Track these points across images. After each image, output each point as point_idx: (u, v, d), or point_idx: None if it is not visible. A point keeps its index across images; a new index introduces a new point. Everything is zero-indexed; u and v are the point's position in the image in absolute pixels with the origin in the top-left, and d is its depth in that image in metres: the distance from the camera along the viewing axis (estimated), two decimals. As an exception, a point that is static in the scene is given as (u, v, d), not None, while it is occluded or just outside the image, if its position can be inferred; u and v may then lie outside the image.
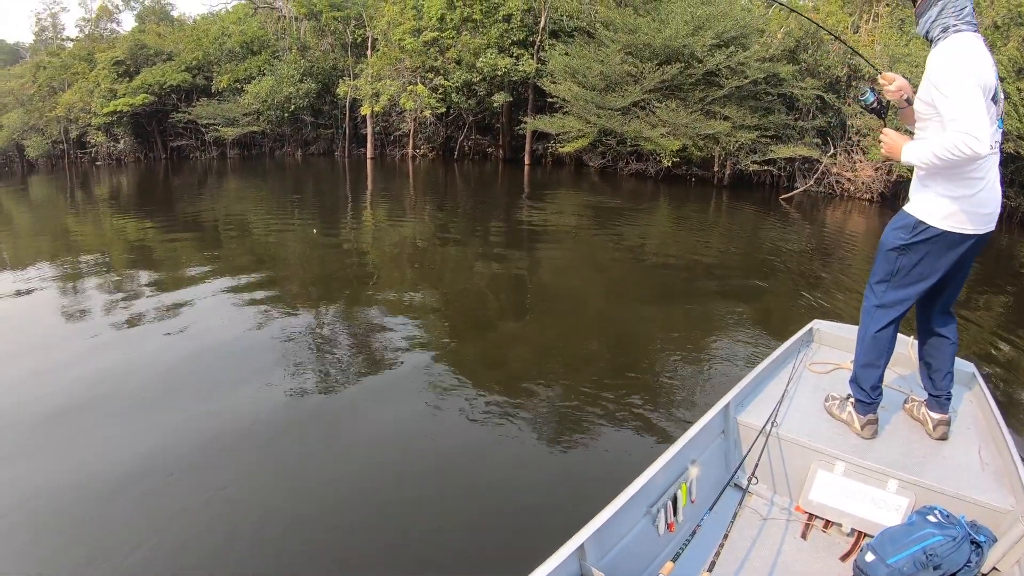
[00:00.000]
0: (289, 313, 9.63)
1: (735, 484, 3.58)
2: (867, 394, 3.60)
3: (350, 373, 7.36)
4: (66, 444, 5.80)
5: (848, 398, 3.76)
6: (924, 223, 3.30)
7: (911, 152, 3.20)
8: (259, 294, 10.70)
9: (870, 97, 3.56)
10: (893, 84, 3.46)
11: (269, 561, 4.25)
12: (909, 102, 3.45)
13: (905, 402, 3.96)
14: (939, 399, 3.68)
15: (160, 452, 5.56)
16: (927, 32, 3.24)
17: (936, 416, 3.65)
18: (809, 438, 3.57)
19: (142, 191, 29.43)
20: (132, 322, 9.30)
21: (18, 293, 11.27)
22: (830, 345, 4.91)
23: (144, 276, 12.35)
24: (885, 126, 3.40)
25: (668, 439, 5.31)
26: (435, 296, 10.67)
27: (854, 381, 3.71)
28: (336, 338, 8.71)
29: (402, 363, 7.55)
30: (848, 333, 4.75)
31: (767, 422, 3.52)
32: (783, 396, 3.82)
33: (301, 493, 5.00)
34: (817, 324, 5.08)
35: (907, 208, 3.40)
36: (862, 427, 3.61)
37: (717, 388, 6.44)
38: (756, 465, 3.40)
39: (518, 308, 10.15)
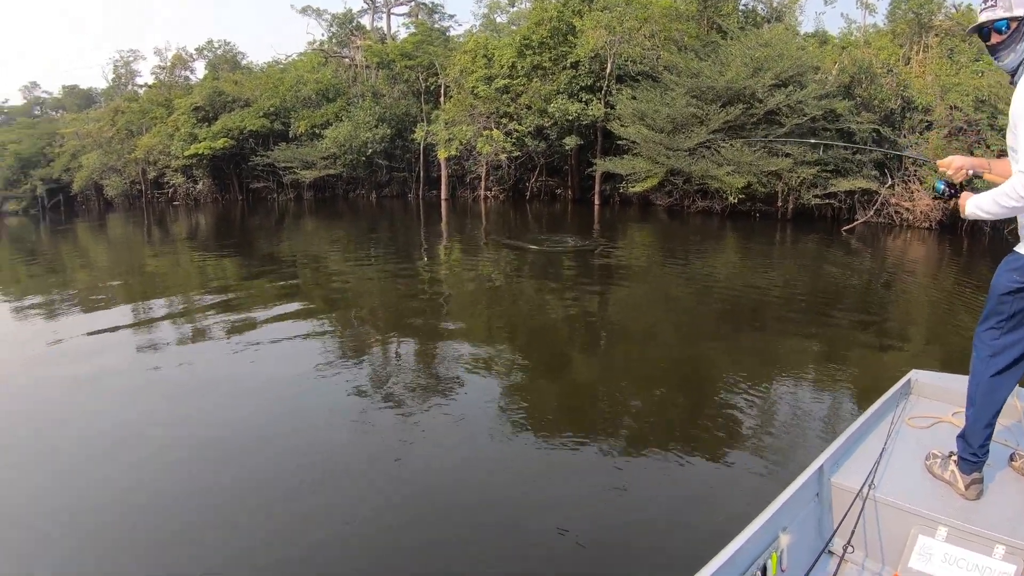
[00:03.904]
0: (365, 344, 10.47)
1: (829, 551, 3.46)
2: (974, 452, 3.42)
3: (422, 403, 7.75)
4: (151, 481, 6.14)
5: (951, 455, 3.56)
6: None
7: (972, 204, 3.24)
8: (336, 326, 11.78)
9: (940, 186, 3.60)
10: (951, 168, 3.50)
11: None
12: (977, 175, 3.52)
13: (1012, 459, 3.75)
14: None
15: (227, 478, 6.15)
16: (1017, 67, 3.18)
17: None
18: (909, 501, 3.43)
19: (221, 230, 32.67)
20: (214, 349, 10.46)
21: (104, 329, 12.06)
22: (930, 397, 4.71)
23: (224, 309, 13.28)
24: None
25: (750, 494, 5.41)
26: (507, 330, 11.44)
27: (962, 437, 3.51)
28: (409, 368, 9.37)
29: (472, 397, 7.88)
30: (950, 383, 4.62)
31: (864, 484, 3.43)
32: (881, 455, 3.72)
33: (371, 515, 5.37)
34: (915, 374, 4.87)
35: (1021, 249, 3.27)
36: (966, 487, 3.40)
37: (796, 434, 6.64)
38: (852, 531, 3.24)
39: (589, 345, 10.53)
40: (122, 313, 13.53)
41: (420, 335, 11.04)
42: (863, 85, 23.52)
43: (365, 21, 47.08)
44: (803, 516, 3.50)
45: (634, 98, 27.27)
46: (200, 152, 40.38)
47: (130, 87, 55.12)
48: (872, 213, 22.70)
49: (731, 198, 24.16)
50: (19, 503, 5.90)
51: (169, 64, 50.55)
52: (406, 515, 5.34)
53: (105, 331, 12.01)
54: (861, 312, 11.92)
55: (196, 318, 12.85)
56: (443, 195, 36.67)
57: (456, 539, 5.06)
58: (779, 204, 24.53)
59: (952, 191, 3.58)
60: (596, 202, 31.31)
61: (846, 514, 3.33)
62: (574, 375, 9.21)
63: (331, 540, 5.03)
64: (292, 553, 4.86)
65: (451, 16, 77.64)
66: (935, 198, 3.89)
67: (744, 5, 31.61)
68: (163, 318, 13.01)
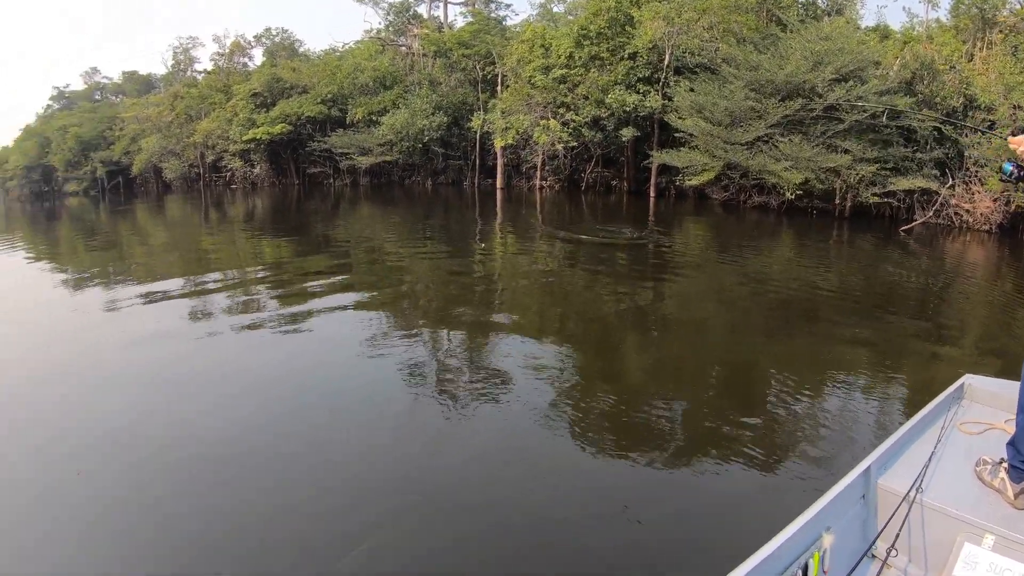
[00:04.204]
0: (413, 329, 10.84)
1: (872, 554, 3.45)
2: None
3: (463, 391, 7.92)
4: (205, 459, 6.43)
5: (1001, 462, 3.52)
6: None
7: None
8: (385, 309, 12.22)
9: (1008, 167, 3.54)
10: (1022, 146, 3.45)
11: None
12: None
13: None
14: None
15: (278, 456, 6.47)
16: None
17: None
18: (956, 507, 3.41)
19: (277, 213, 33.93)
20: (259, 328, 10.95)
21: (156, 300, 13.05)
22: (983, 402, 4.64)
23: (275, 289, 14.10)
24: None
25: (793, 494, 5.45)
26: (558, 321, 11.60)
27: (1012, 444, 3.48)
28: (455, 355, 9.59)
29: (517, 384, 8.04)
30: (1004, 389, 4.55)
31: (911, 487, 3.43)
32: (930, 459, 3.70)
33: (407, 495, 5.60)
34: (969, 379, 4.79)
35: None
36: (1016, 496, 3.36)
37: (844, 437, 6.62)
38: (897, 535, 3.25)
39: (639, 338, 10.63)
40: (174, 288, 14.38)
41: (468, 323, 11.36)
42: (925, 82, 23.28)
43: (422, 10, 48.09)
44: (848, 517, 3.53)
45: (692, 90, 27.37)
46: (258, 137, 41.84)
47: (189, 73, 56.86)
48: (931, 214, 22.40)
49: (788, 194, 24.16)
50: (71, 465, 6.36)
51: (228, 51, 52.06)
52: (441, 506, 5.48)
53: (157, 302, 12.99)
54: (917, 315, 11.90)
55: (247, 297, 13.60)
56: (498, 184, 37.49)
57: (495, 535, 5.14)
58: (837, 202, 24.37)
59: (1021, 172, 3.55)
60: (651, 194, 31.59)
61: (891, 517, 3.36)
62: (623, 368, 9.32)
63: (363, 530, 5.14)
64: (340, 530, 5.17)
65: (508, 5, 78.03)
66: (1002, 180, 3.65)
67: (804, -3, 31.50)
68: (214, 296, 13.83)
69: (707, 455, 6.24)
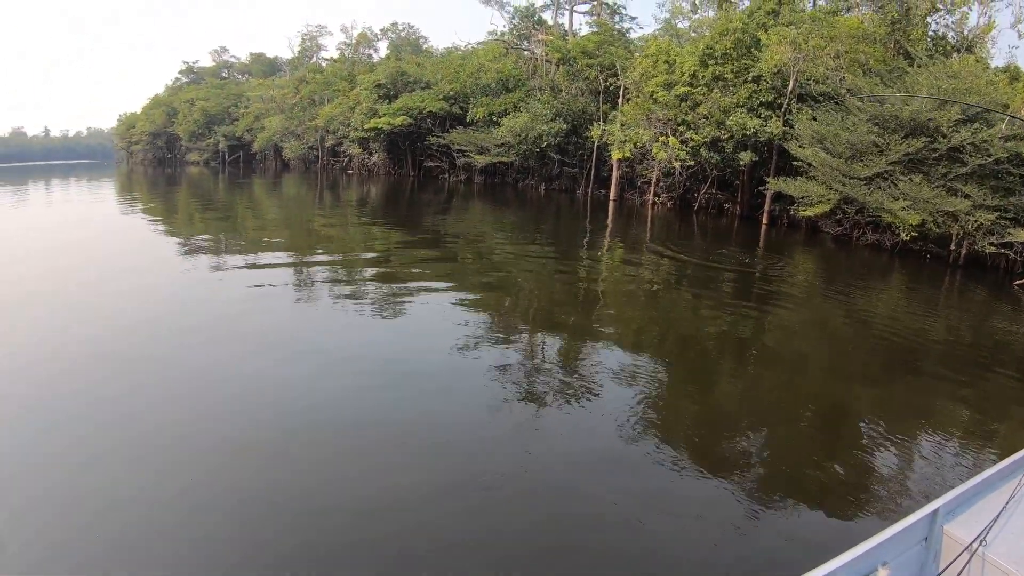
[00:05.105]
0: (512, 328, 11.52)
1: None
2: None
3: (553, 396, 8.47)
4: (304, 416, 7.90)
5: None
6: None
7: None
8: (487, 307, 13.06)
9: None
10: None
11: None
12: None
13: None
14: None
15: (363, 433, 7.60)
16: None
17: None
18: (1019, 568, 3.35)
19: (391, 201, 36.11)
20: (362, 312, 12.14)
21: (263, 268, 14.69)
22: None
23: (381, 274, 15.45)
24: None
25: (855, 530, 5.56)
26: (654, 336, 12.17)
27: None
28: (550, 360, 10.13)
29: (606, 395, 8.56)
30: None
31: (976, 539, 3.38)
32: (1000, 513, 3.62)
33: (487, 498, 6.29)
34: None
35: None
36: None
37: (921, 487, 6.69)
38: None
39: (736, 365, 10.89)
40: (282, 260, 16.18)
41: (566, 329, 12.08)
42: (1056, 131, 23.00)
43: (547, 16, 49.38)
44: (906, 556, 3.54)
45: (814, 119, 27.75)
46: (379, 126, 44.25)
47: (315, 59, 59.89)
48: (1049, 271, 21.82)
49: (903, 235, 24.16)
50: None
51: (354, 41, 54.62)
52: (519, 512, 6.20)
53: (264, 269, 14.84)
54: (1022, 375, 11.41)
55: (351, 279, 15.02)
56: (612, 195, 38.65)
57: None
58: (952, 247, 24.05)
59: None
60: (764, 221, 31.87)
61: (950, 564, 3.35)
62: (714, 391, 9.73)
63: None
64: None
65: (633, 18, 78.77)
66: None
67: (933, 31, 31.42)
68: (319, 273, 15.32)
69: (782, 489, 6.63)
